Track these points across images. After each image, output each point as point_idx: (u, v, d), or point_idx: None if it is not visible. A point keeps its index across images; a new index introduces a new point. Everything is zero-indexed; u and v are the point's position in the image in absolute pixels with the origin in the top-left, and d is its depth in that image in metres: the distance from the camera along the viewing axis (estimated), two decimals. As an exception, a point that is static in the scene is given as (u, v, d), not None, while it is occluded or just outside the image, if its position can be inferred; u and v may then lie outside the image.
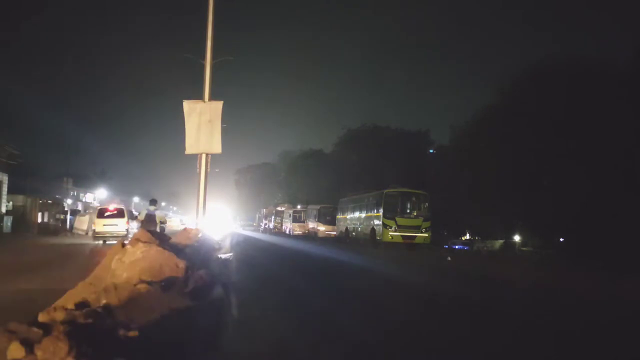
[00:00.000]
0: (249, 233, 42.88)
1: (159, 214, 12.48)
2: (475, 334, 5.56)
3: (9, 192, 33.70)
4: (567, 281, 12.35)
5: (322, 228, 36.36)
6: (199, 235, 8.16)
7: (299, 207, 43.96)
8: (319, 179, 48.72)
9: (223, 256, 9.25)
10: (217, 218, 36.02)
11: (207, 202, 9.70)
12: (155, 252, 4.27)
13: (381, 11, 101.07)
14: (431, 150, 47.75)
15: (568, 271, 15.65)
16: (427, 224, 24.01)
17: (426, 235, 23.96)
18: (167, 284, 3.75)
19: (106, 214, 23.12)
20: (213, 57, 9.75)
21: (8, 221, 32.05)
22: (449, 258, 19.96)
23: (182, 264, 4.32)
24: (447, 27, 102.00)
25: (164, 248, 4.49)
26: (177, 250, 5.10)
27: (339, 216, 32.78)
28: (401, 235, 23.55)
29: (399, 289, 9.69)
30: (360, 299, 7.71)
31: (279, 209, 49.29)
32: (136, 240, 4.55)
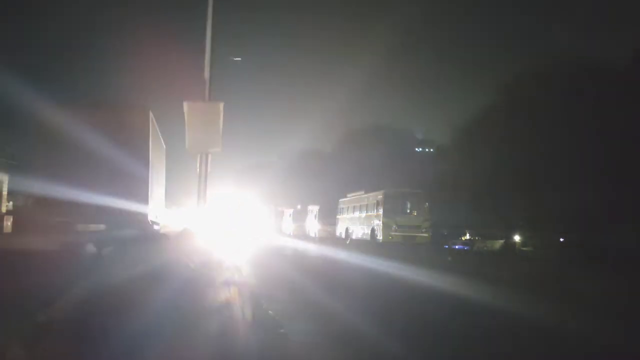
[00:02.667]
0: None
1: None
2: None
3: (9, 192, 33.71)
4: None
5: (322, 228, 36.37)
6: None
7: (298, 207, 43.97)
8: (319, 179, 48.75)
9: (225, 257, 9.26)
10: (232, 216, 28.46)
11: (207, 202, 9.68)
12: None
13: (383, 12, 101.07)
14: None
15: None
16: (427, 224, 24.04)
17: (426, 235, 24.00)
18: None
19: None
20: (214, 57, 9.74)
21: (8, 221, 32.07)
22: (449, 258, 19.99)
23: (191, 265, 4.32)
24: (447, 28, 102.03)
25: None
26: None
27: (339, 216, 32.78)
28: (401, 235, 23.58)
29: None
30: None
31: (278, 209, 49.31)
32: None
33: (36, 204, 12.07)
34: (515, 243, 33.82)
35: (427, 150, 47.75)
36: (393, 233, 23.67)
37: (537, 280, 12.69)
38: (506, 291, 9.94)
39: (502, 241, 33.67)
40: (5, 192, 33.02)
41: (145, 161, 12.35)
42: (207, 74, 9.82)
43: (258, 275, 10.25)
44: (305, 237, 37.51)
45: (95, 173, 11.44)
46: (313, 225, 38.34)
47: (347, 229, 30.13)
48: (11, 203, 34.52)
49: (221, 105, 8.55)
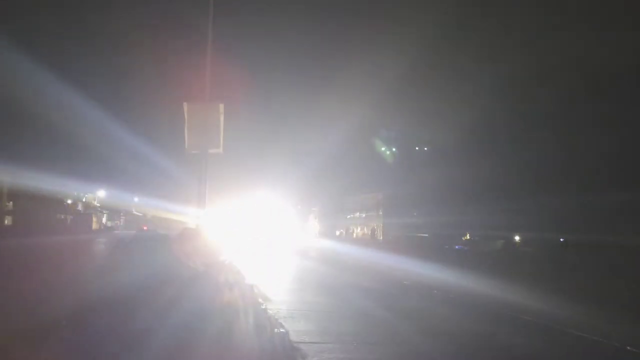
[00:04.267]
0: None
1: None
2: None
3: (9, 191, 33.70)
4: None
5: (322, 227, 36.41)
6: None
7: (299, 207, 43.97)
8: (319, 179, 48.65)
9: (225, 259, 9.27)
10: (233, 216, 23.73)
11: (207, 203, 9.67)
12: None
13: (383, 17, 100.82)
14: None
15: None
16: (427, 224, 24.07)
17: (426, 235, 24.02)
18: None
19: None
20: (215, 57, 9.72)
21: (9, 221, 32.11)
22: (449, 258, 20.00)
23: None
24: (447, 28, 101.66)
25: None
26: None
27: (339, 215, 32.82)
28: (401, 235, 23.62)
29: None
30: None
31: (279, 208, 49.21)
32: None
33: None
34: (515, 243, 33.74)
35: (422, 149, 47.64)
36: (393, 233, 23.70)
37: (533, 278, 12.76)
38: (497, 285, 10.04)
39: (502, 241, 33.60)
40: (6, 192, 33.04)
41: None
42: (207, 74, 9.81)
43: (257, 274, 10.28)
44: (306, 236, 37.52)
45: None
46: (313, 224, 38.36)
47: (347, 228, 30.16)
48: (11, 203, 34.50)
49: (221, 106, 8.55)
